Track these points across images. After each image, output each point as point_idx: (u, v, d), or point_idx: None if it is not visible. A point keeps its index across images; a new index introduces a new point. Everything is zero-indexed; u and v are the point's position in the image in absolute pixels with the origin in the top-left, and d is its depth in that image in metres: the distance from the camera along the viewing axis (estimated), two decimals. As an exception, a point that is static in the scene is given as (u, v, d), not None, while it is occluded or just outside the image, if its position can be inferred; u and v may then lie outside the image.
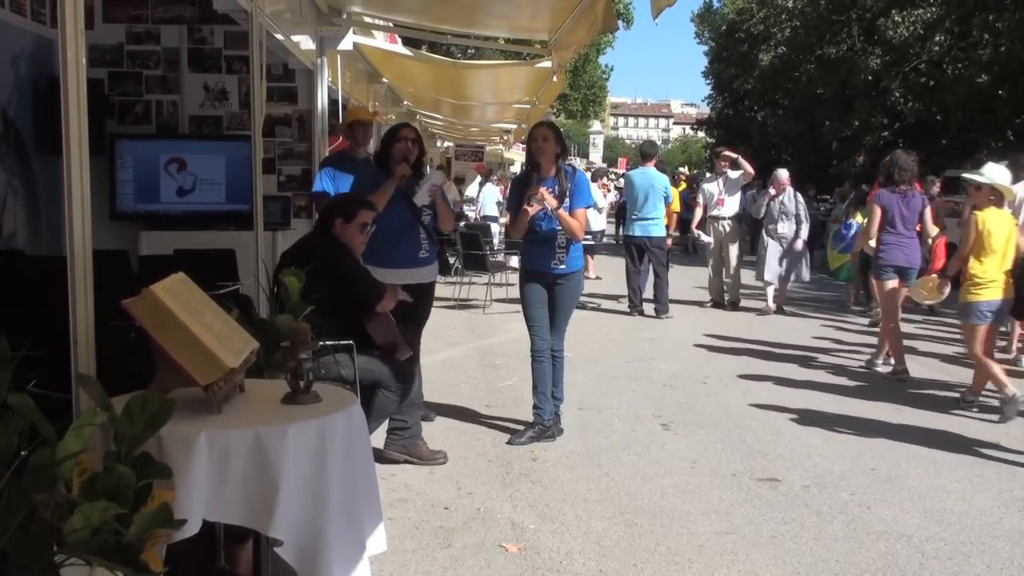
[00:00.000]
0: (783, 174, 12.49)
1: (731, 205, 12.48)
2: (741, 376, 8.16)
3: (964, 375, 8.31)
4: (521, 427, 6.10)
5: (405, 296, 5.05)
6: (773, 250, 12.19)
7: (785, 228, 12.15)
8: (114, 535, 2.20)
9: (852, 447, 6.04)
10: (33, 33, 6.26)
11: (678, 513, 4.79)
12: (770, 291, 12.30)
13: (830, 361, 9.12)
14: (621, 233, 17.16)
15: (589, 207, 6.12)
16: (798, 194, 12.51)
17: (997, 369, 6.81)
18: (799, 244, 12.16)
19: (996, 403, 6.86)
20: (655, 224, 11.72)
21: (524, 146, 7.12)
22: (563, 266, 5.86)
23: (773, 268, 12.18)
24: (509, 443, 5.91)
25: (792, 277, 12.42)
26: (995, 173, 6.95)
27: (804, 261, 12.48)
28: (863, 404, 7.24)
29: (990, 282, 6.72)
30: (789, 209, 12.14)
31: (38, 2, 6.29)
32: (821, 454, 5.87)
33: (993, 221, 6.77)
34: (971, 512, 4.93)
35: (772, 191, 12.38)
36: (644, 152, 12.45)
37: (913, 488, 5.29)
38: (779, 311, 12.25)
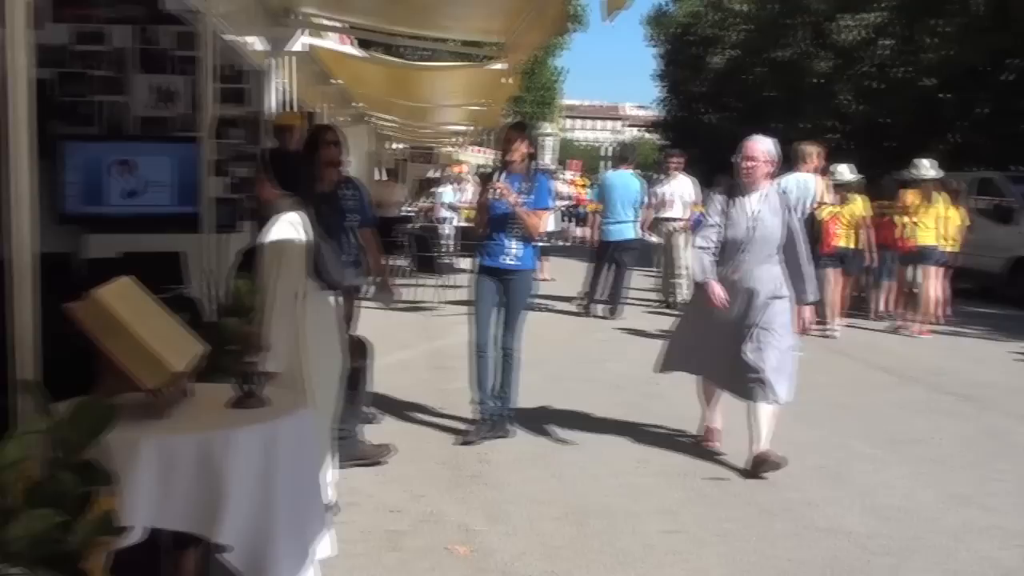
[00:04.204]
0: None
1: (680, 207, 12.58)
2: (690, 377, 8.19)
3: (916, 370, 8.48)
4: (472, 428, 6.11)
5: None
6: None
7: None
8: (56, 544, 2.18)
9: (799, 445, 6.11)
10: (-24, 32, 6.16)
11: (627, 513, 4.83)
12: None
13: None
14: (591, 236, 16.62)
15: (548, 209, 6.28)
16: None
17: None
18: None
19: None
20: (629, 226, 11.74)
21: (477, 148, 7.25)
22: (514, 262, 5.93)
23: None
24: (458, 443, 5.92)
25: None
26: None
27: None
28: (809, 402, 7.32)
29: None
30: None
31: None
32: (768, 453, 5.94)
33: None
34: (914, 508, 5.03)
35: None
36: (622, 155, 12.50)
37: (858, 485, 5.38)
38: None
